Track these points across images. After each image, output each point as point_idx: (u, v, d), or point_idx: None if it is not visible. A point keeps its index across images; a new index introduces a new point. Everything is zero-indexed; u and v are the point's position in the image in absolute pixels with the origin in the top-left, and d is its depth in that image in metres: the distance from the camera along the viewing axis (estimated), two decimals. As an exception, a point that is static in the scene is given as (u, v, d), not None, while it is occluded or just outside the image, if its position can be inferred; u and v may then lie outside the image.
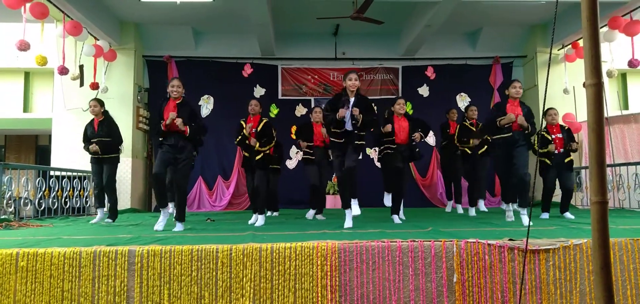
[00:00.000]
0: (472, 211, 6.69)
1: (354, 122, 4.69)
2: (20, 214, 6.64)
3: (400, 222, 5.31)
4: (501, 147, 5.06)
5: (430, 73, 10.05)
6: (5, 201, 6.17)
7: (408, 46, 9.46)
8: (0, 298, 3.11)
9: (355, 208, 4.66)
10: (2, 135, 13.68)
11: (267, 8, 7.61)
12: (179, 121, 4.63)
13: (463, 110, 9.73)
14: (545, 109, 5.92)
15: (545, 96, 2.70)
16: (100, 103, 5.87)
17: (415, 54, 9.85)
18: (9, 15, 7.41)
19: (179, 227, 4.73)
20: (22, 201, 6.55)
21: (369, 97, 9.66)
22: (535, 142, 5.92)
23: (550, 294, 3.28)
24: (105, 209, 5.93)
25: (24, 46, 6.45)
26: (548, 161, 5.83)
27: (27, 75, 12.86)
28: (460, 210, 7.13)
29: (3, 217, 5.84)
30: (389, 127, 5.41)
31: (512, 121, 4.89)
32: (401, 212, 5.68)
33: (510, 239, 3.39)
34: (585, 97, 1.59)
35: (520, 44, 10.09)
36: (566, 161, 5.85)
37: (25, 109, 12.85)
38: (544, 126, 5.91)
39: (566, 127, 6.01)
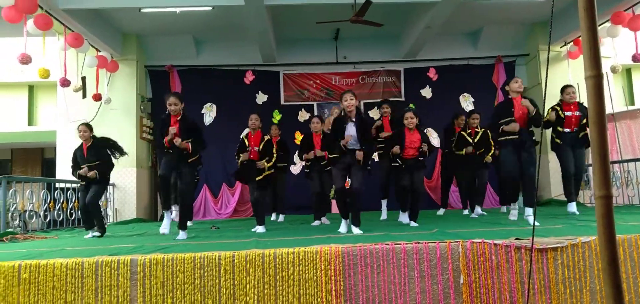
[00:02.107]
0: (469, 212, 6.72)
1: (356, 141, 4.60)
2: (27, 227, 6.65)
3: (415, 225, 5.22)
4: (508, 148, 4.98)
5: (432, 74, 10.01)
6: (10, 214, 6.18)
7: (409, 48, 9.43)
8: (4, 311, 3.10)
9: (355, 231, 4.50)
10: (9, 149, 13.75)
11: (267, 15, 7.61)
12: (178, 141, 4.70)
13: (468, 111, 9.71)
14: (563, 86, 5.84)
15: (545, 94, 2.59)
16: (89, 128, 5.66)
17: (417, 56, 9.81)
18: (10, 30, 7.45)
19: (181, 235, 4.73)
20: (27, 213, 6.56)
21: (371, 101, 9.76)
22: (546, 115, 5.77)
23: (560, 294, 3.23)
24: (93, 228, 5.71)
25: (25, 60, 6.47)
26: (558, 140, 5.69)
27: (31, 88, 12.94)
28: (465, 212, 7.01)
29: (9, 230, 5.85)
30: (397, 150, 5.16)
31: (516, 130, 4.83)
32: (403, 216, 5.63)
33: (516, 239, 3.34)
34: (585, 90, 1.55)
35: (523, 42, 10.03)
36: (580, 135, 5.61)
37: (30, 123, 12.92)
38: (558, 102, 5.80)
39: (585, 105, 5.82)
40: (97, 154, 5.61)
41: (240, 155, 5.55)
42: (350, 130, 4.58)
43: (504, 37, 9.82)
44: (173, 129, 4.69)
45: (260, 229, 5.31)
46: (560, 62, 9.45)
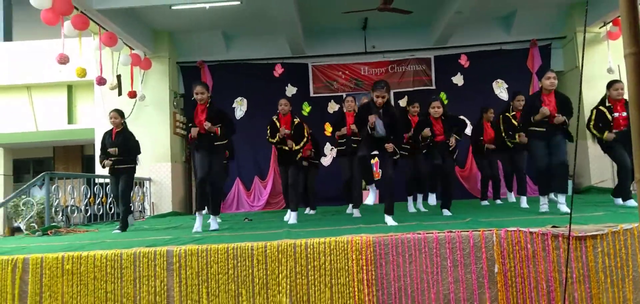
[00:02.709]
0: (512, 197, 6.55)
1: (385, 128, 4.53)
2: (69, 221, 6.93)
3: (449, 214, 5.16)
4: (538, 139, 4.84)
5: (464, 61, 9.79)
6: (53, 209, 6.46)
7: (439, 35, 9.25)
8: (50, 301, 3.25)
9: (389, 221, 4.40)
10: (51, 147, 14.32)
11: (294, 6, 7.61)
12: (207, 125, 4.79)
13: (502, 98, 9.48)
14: (611, 81, 5.32)
15: (581, 78, 2.49)
16: (121, 114, 5.75)
17: (448, 43, 9.62)
18: (48, 32, 7.75)
19: (213, 224, 4.85)
20: (69, 208, 6.84)
21: (401, 90, 9.65)
22: (591, 120, 5.32)
23: (600, 283, 3.12)
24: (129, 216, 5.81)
25: (63, 60, 6.72)
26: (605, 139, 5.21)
27: (70, 88, 13.40)
28: (512, 198, 6.84)
29: (53, 224, 6.12)
30: (427, 132, 5.16)
31: (546, 116, 4.67)
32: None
33: (553, 227, 3.25)
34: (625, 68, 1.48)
35: (559, 25, 9.66)
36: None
37: (70, 121, 13.40)
38: (606, 102, 5.22)
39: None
40: (125, 141, 5.66)
41: (278, 134, 5.63)
42: (378, 121, 4.51)
43: (538, 20, 9.48)
44: (208, 124, 4.80)
45: (292, 216, 5.33)
46: (599, 44, 9.06)
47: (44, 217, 6.22)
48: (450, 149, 5.32)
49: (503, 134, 6.42)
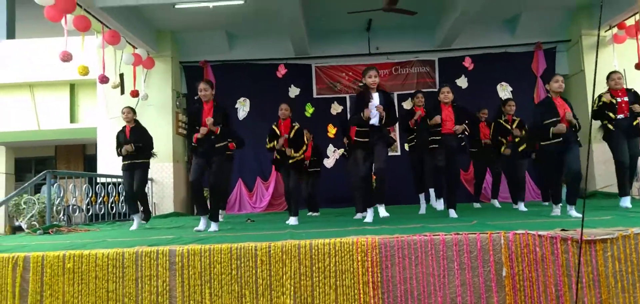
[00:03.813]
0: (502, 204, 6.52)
1: (379, 118, 4.65)
2: (70, 221, 6.89)
3: (455, 216, 5.09)
4: (554, 153, 4.70)
5: (468, 64, 9.74)
6: (55, 208, 6.42)
7: (444, 37, 9.20)
8: (51, 300, 3.20)
9: (382, 211, 4.54)
10: (53, 146, 14.29)
11: (298, 5, 7.56)
12: (210, 120, 4.69)
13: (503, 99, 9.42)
14: (609, 73, 5.58)
15: (594, 81, 2.42)
16: (133, 111, 6.12)
17: (452, 45, 9.56)
18: (51, 30, 7.72)
19: (213, 227, 4.75)
20: (70, 207, 6.80)
21: (405, 92, 9.60)
22: (595, 105, 5.54)
23: (611, 288, 3.06)
24: (139, 213, 6.02)
25: (66, 57, 6.68)
26: (610, 126, 5.38)
27: (72, 87, 13.34)
28: (497, 204, 6.84)
29: (54, 223, 6.07)
30: (437, 119, 5.08)
31: (564, 131, 4.56)
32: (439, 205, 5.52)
33: (562, 230, 3.19)
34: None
35: (564, 28, 9.61)
36: (634, 123, 5.30)
37: (72, 120, 13.34)
38: (607, 90, 5.52)
39: (632, 90, 5.50)
40: (140, 135, 6.00)
41: (275, 142, 5.60)
42: (376, 100, 4.66)
43: (543, 23, 9.43)
44: (210, 120, 4.70)
45: (293, 220, 5.28)
46: (605, 47, 9.00)
47: (45, 216, 6.18)
48: (459, 139, 5.17)
49: (497, 138, 6.45)
